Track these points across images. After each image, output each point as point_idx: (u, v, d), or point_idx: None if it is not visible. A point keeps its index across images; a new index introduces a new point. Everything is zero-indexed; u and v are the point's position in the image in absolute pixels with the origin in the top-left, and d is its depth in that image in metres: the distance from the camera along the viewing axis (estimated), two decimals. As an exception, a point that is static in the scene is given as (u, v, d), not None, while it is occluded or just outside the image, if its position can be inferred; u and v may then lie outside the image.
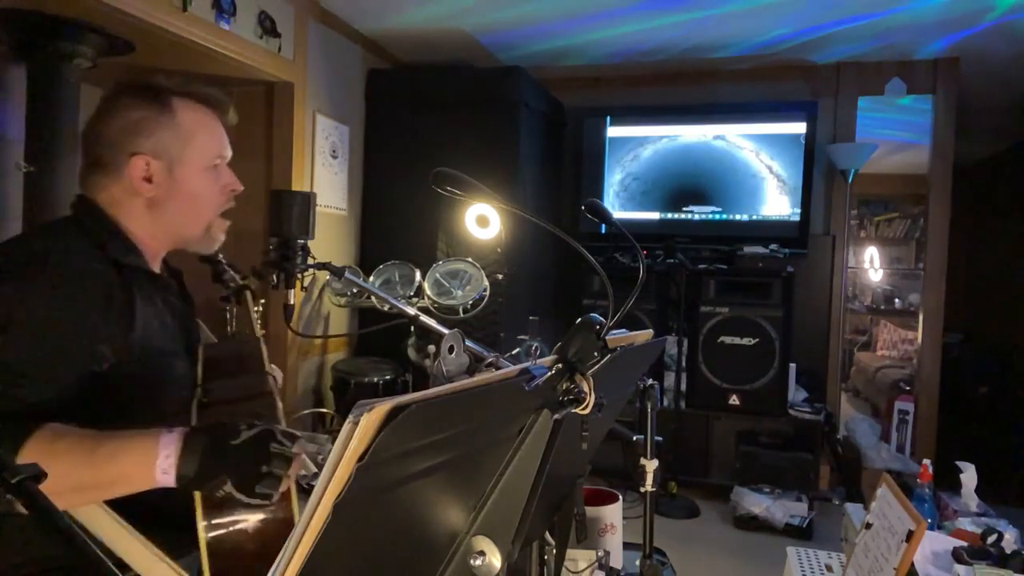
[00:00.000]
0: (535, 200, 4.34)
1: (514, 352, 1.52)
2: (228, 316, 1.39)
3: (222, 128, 1.28)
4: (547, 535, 1.17)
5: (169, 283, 1.28)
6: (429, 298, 3.42)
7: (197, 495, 1.03)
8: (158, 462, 0.95)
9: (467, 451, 0.68)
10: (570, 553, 1.38)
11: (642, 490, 1.45)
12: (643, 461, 1.44)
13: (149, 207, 1.19)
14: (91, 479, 0.95)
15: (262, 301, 1.41)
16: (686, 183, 4.47)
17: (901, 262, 7.39)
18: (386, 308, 1.61)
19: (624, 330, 1.04)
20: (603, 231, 4.51)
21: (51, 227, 1.19)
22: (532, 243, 4.16)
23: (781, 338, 3.86)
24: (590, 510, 1.48)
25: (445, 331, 1.19)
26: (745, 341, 3.92)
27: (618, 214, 4.54)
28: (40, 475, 0.66)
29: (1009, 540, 1.57)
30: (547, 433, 0.77)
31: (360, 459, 0.50)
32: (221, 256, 1.36)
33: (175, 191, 1.20)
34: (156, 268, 1.25)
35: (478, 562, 0.71)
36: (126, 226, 1.19)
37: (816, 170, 4.36)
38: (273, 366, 1.36)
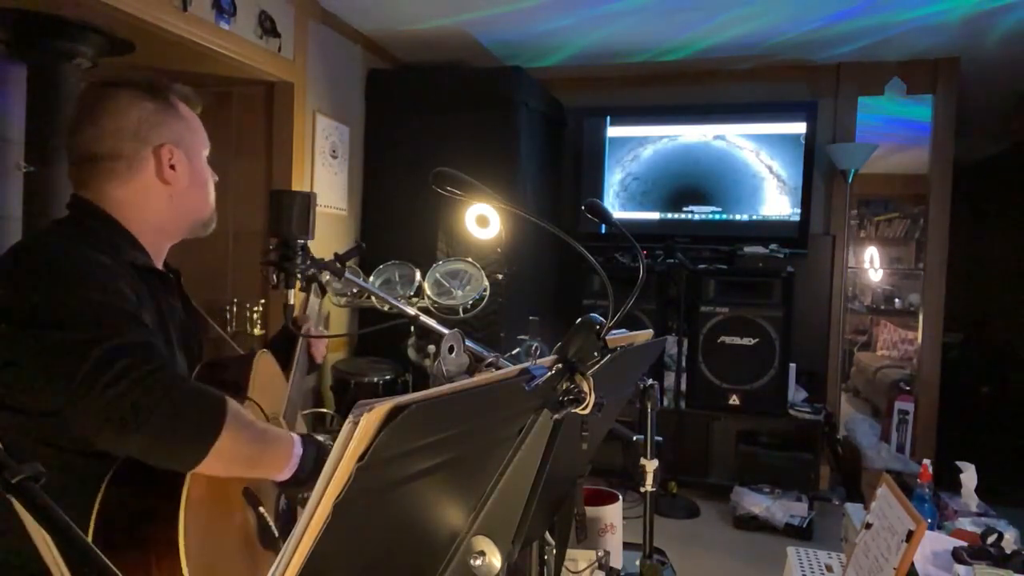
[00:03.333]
0: (535, 200, 4.33)
1: (514, 352, 1.52)
2: (228, 316, 1.40)
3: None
4: (547, 535, 1.17)
5: (173, 283, 1.29)
6: (429, 298, 3.42)
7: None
8: (291, 460, 1.08)
9: (467, 451, 0.68)
10: (570, 553, 1.38)
11: (642, 490, 1.45)
12: (643, 461, 1.44)
13: (171, 197, 1.23)
14: (259, 455, 1.05)
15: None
16: (686, 183, 4.47)
17: (901, 262, 7.39)
18: (386, 308, 1.61)
19: (624, 330, 1.04)
20: (603, 231, 4.51)
21: (62, 231, 1.17)
22: (532, 243, 4.15)
23: (781, 338, 3.86)
24: (590, 510, 1.48)
25: (445, 331, 1.19)
26: (745, 341, 3.92)
27: (618, 214, 4.54)
28: (40, 475, 0.66)
29: (1009, 540, 1.57)
30: (547, 433, 0.77)
31: (360, 459, 0.50)
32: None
33: (194, 179, 1.25)
34: (160, 266, 1.26)
35: (478, 562, 0.71)
36: (131, 225, 1.19)
37: (816, 170, 4.36)
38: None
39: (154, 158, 1.19)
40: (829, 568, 1.76)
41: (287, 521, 1.31)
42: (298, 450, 1.10)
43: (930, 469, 1.89)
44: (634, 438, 1.47)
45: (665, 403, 4.02)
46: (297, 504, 1.20)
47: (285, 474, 1.09)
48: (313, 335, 1.54)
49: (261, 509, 1.22)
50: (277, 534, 1.24)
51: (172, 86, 1.26)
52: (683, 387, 4.09)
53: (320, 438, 1.18)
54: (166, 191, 1.21)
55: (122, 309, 1.03)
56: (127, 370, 0.94)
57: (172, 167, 1.21)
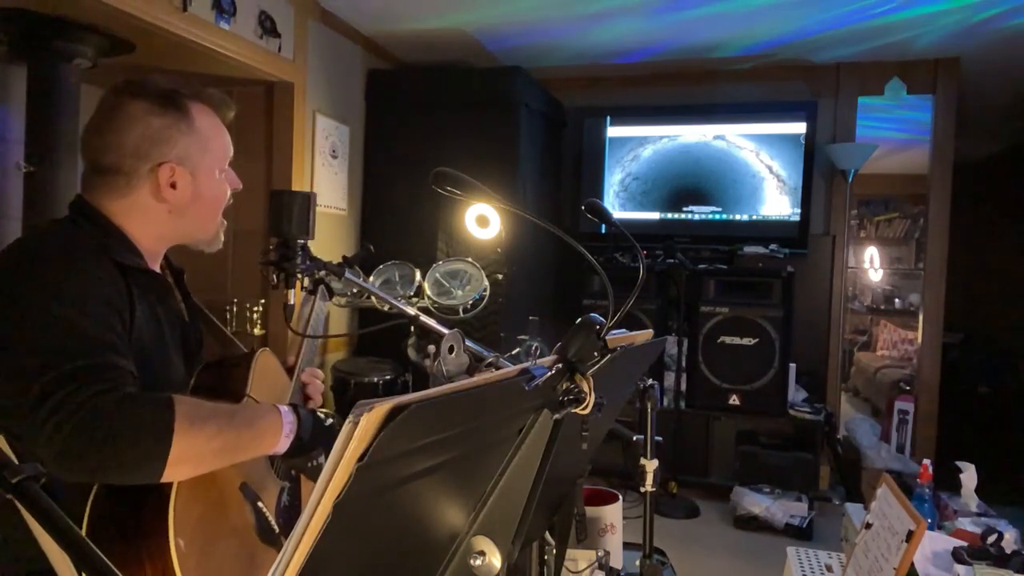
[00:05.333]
0: (535, 200, 4.33)
1: (514, 352, 1.52)
2: (228, 316, 1.40)
3: (227, 130, 1.30)
4: (547, 535, 1.17)
5: (169, 285, 1.28)
6: (429, 298, 3.42)
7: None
8: (284, 429, 1.10)
9: (467, 451, 0.68)
10: (570, 553, 1.38)
11: (642, 490, 1.45)
12: (643, 461, 1.44)
13: (170, 213, 1.20)
14: (235, 441, 1.04)
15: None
16: (686, 183, 4.47)
17: (901, 262, 7.39)
18: (386, 308, 1.61)
19: (624, 330, 1.04)
20: (603, 231, 4.51)
21: (53, 231, 1.18)
22: (532, 243, 4.15)
23: (781, 338, 3.86)
24: (590, 510, 1.48)
25: (445, 331, 1.19)
26: (745, 341, 3.92)
27: (618, 214, 4.54)
28: (40, 475, 0.66)
29: (1009, 540, 1.56)
30: (547, 433, 0.77)
31: (360, 459, 0.50)
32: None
33: (197, 197, 1.22)
34: (156, 268, 1.25)
35: (478, 562, 0.71)
36: (128, 229, 1.18)
37: (816, 170, 4.36)
38: (313, 371, 1.44)
39: (152, 176, 1.17)
40: (829, 568, 1.76)
41: (290, 517, 1.31)
42: (288, 417, 1.11)
43: (930, 469, 1.89)
44: (634, 438, 1.47)
45: (665, 403, 4.02)
46: (308, 474, 1.21)
47: (283, 444, 1.09)
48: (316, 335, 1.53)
49: (260, 504, 1.22)
50: (278, 530, 1.23)
51: (201, 92, 1.23)
52: (683, 387, 4.09)
53: (321, 414, 1.19)
54: (164, 208, 1.19)
55: (82, 328, 1.00)
56: (63, 402, 0.92)
57: (172, 185, 1.18)
